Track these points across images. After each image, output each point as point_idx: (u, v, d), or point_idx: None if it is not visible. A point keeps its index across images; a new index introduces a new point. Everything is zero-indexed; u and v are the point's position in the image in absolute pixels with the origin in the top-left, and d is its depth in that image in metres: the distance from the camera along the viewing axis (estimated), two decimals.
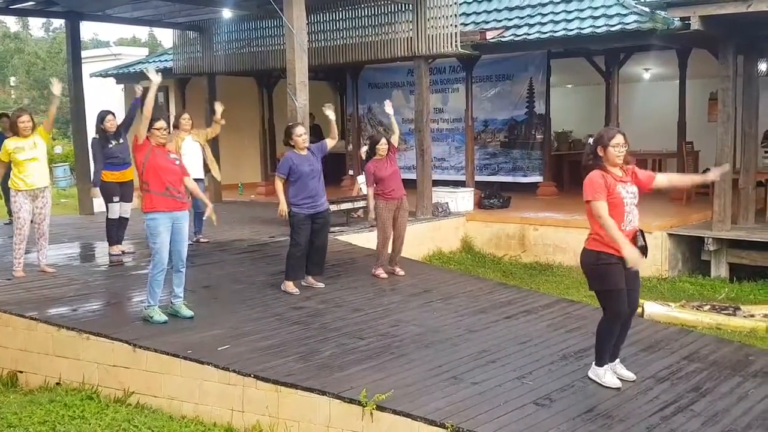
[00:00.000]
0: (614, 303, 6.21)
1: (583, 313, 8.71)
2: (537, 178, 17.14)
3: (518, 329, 8.08)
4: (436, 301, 9.24)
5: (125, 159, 11.03)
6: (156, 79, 7.97)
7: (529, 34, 14.57)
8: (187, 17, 16.74)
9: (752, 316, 9.73)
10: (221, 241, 12.16)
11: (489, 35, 14.95)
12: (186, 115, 11.63)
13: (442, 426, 5.54)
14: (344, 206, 13.09)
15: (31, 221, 9.72)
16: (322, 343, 7.38)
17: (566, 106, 20.36)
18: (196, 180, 11.39)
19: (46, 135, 9.81)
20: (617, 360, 6.64)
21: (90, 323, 7.86)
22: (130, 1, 15.35)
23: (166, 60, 19.93)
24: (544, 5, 15.30)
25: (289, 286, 9.29)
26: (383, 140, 10.27)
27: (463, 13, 15.96)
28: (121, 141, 11.05)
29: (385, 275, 10.24)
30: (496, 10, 16.18)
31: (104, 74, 21.45)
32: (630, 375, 6.59)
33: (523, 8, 15.63)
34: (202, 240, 11.93)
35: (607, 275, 6.13)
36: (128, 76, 20.83)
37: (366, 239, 11.99)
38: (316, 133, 18.13)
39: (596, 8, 14.21)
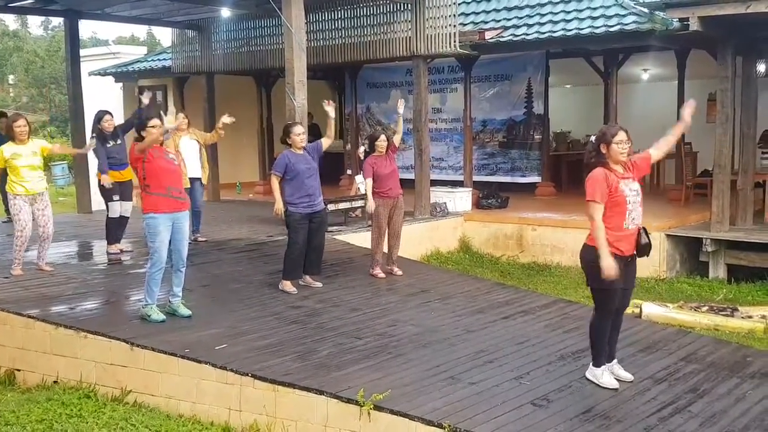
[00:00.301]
0: (607, 300, 6.26)
1: (580, 314, 8.70)
2: (535, 179, 17.14)
3: (516, 329, 8.08)
4: (433, 301, 9.24)
5: (123, 159, 11.01)
6: (169, 125, 7.96)
7: (527, 35, 14.57)
8: (185, 16, 16.73)
9: (750, 317, 9.73)
10: (219, 240, 12.16)
11: (488, 35, 14.95)
12: (181, 115, 11.64)
13: (440, 426, 5.54)
14: (342, 206, 13.08)
15: (33, 220, 9.70)
16: (320, 343, 7.38)
17: (565, 106, 20.36)
18: (193, 179, 11.48)
19: (47, 152, 9.80)
20: (615, 361, 6.64)
21: (88, 322, 7.86)
22: (128, 0, 15.34)
23: (164, 59, 19.91)
24: (542, 5, 15.30)
25: (287, 285, 9.29)
26: (383, 137, 10.28)
27: (462, 13, 15.96)
28: (119, 142, 11.05)
29: (382, 275, 10.24)
30: (494, 10, 16.18)
31: (103, 73, 21.41)
32: (628, 376, 6.59)
33: (521, 8, 15.63)
34: (200, 239, 11.92)
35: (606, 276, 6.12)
36: (127, 75, 20.81)
37: (364, 239, 11.97)
38: (315, 133, 18.12)
39: (595, 9, 14.21)
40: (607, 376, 6.41)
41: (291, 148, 9.32)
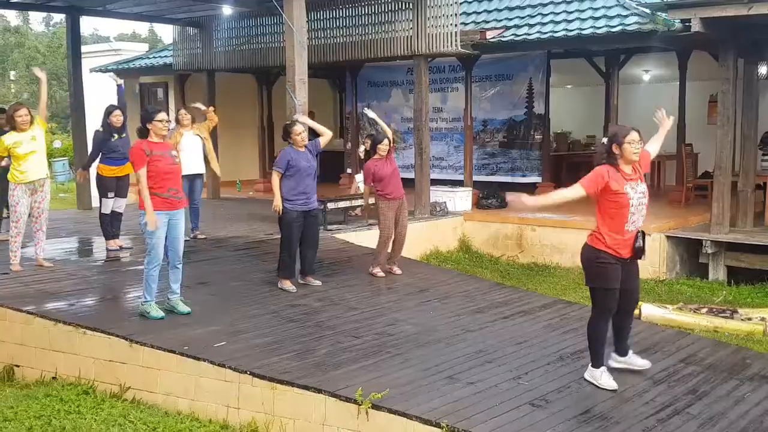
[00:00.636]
0: (605, 300, 6.31)
1: (580, 315, 8.69)
2: (536, 179, 17.13)
3: (515, 330, 8.08)
4: (432, 300, 9.23)
5: (125, 154, 11.00)
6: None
7: (529, 34, 14.57)
8: (187, 13, 16.73)
9: (749, 319, 9.72)
10: (218, 237, 12.15)
11: (489, 35, 14.95)
12: (183, 111, 11.67)
13: (438, 426, 5.54)
14: (342, 204, 13.08)
15: (29, 215, 9.72)
16: (318, 341, 7.38)
17: (566, 106, 20.37)
18: (195, 175, 11.50)
19: (44, 124, 9.84)
20: (630, 352, 6.76)
21: (87, 318, 7.86)
22: None
23: (166, 56, 19.92)
24: (544, 5, 15.30)
25: (286, 283, 9.29)
26: (386, 140, 10.29)
27: (464, 13, 15.96)
28: (124, 135, 11.05)
29: (382, 274, 10.24)
30: (496, 9, 16.18)
31: (104, 69, 21.41)
32: (646, 363, 6.76)
33: (523, 8, 15.63)
34: (199, 236, 11.92)
35: (603, 274, 6.23)
36: (128, 72, 20.80)
37: (363, 238, 11.99)
38: (315, 132, 18.13)
39: (597, 9, 14.22)
40: (606, 377, 6.40)
41: (293, 145, 9.33)
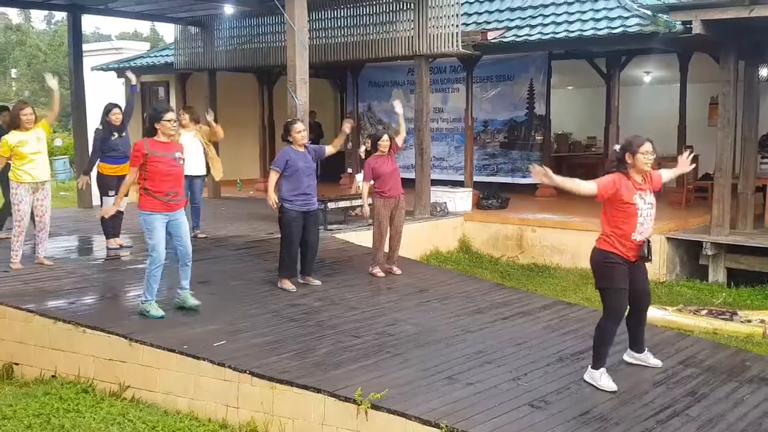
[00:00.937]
0: (614, 301, 6.36)
1: (579, 316, 8.71)
2: (536, 180, 17.11)
3: (515, 330, 8.08)
4: (432, 300, 9.23)
5: (126, 153, 11.01)
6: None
7: (530, 35, 14.58)
8: (188, 12, 16.73)
9: (749, 321, 9.72)
10: (219, 236, 12.16)
11: (490, 35, 14.96)
12: (182, 111, 11.70)
13: (437, 426, 5.54)
14: (342, 204, 13.08)
15: (33, 213, 9.72)
16: (318, 341, 7.38)
17: (566, 107, 20.37)
18: (196, 177, 11.51)
19: (49, 129, 9.85)
20: (646, 350, 6.92)
21: (87, 316, 7.86)
22: None
23: (167, 55, 19.93)
24: (545, 6, 15.32)
25: (286, 283, 9.29)
26: (385, 136, 10.28)
27: (465, 13, 15.96)
28: (124, 134, 11.05)
29: (381, 274, 10.24)
30: (497, 10, 16.19)
31: (105, 68, 21.44)
32: (658, 363, 6.90)
33: (524, 9, 15.65)
34: (200, 235, 11.92)
35: (611, 275, 6.32)
36: (129, 71, 20.79)
37: (363, 237, 11.97)
38: (317, 132, 18.17)
39: (598, 10, 14.22)
40: (605, 378, 6.41)
41: (292, 145, 9.33)
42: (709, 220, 12.63)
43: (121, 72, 21.24)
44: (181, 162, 8.00)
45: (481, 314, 8.68)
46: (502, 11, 16.07)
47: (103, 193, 10.97)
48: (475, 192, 15.53)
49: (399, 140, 10.45)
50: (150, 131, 7.88)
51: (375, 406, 5.84)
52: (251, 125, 19.54)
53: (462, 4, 14.81)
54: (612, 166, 6.31)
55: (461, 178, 16.57)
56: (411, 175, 14.66)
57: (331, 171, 18.84)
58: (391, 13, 14.49)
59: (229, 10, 16.20)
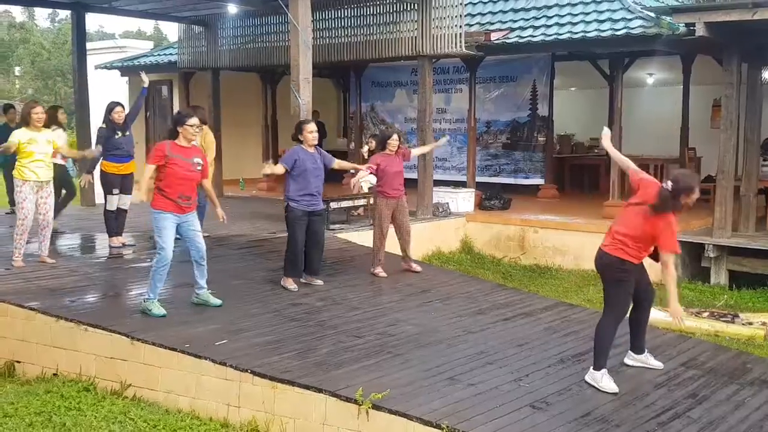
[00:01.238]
0: (622, 303, 6.49)
1: (581, 317, 8.71)
2: (538, 181, 17.15)
3: (516, 331, 8.08)
4: (434, 301, 9.24)
5: (129, 152, 11.08)
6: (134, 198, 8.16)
7: (533, 37, 14.57)
8: (192, 11, 16.73)
9: (750, 323, 9.72)
10: (221, 236, 12.15)
11: (494, 36, 14.95)
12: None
13: (438, 426, 5.54)
14: (345, 204, 13.08)
15: (36, 212, 9.73)
16: (320, 341, 7.39)
17: (569, 109, 20.35)
18: None
19: (56, 146, 9.87)
20: (645, 351, 6.98)
21: (89, 315, 7.87)
22: None
23: (170, 54, 19.93)
24: (549, 8, 15.30)
25: (289, 282, 9.30)
26: (395, 135, 10.36)
27: (468, 14, 15.93)
28: (128, 133, 11.07)
29: (383, 274, 10.25)
30: (501, 11, 16.18)
31: (109, 66, 21.46)
32: (659, 364, 6.96)
33: (528, 10, 15.63)
34: (203, 234, 11.90)
35: (626, 279, 6.43)
36: (133, 69, 20.83)
37: (366, 237, 11.96)
38: (320, 132, 18.11)
39: (602, 12, 14.21)
40: (607, 380, 6.41)
41: (302, 144, 9.34)
42: (711, 222, 12.62)
43: (125, 70, 21.32)
44: (199, 168, 8.05)
45: (482, 315, 8.69)
46: (505, 12, 16.06)
47: (107, 191, 10.99)
48: (478, 193, 15.52)
49: (415, 152, 10.54)
50: (172, 134, 7.94)
51: (376, 407, 5.85)
52: (254, 125, 19.54)
53: (465, 4, 14.79)
54: (667, 206, 6.28)
55: (464, 178, 16.55)
56: (413, 176, 14.65)
57: (334, 171, 18.80)
58: (394, 14, 14.49)
59: (233, 9, 16.21)
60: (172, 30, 57.78)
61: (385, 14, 14.61)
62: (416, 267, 10.62)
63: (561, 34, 14.18)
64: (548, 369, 6.90)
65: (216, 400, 6.72)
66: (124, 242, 11.32)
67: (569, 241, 13.19)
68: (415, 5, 13.95)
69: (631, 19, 13.42)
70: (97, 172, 11.42)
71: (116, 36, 48.88)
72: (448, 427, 5.51)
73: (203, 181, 8.27)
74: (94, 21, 73.69)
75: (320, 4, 14.63)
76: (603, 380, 6.40)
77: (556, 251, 13.45)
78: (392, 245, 10.61)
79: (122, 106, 11.07)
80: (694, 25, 11.41)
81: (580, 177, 18.65)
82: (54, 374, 7.69)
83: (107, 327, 7.48)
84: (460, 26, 13.83)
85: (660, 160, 16.64)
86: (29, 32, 54.03)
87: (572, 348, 7.51)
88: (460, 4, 13.78)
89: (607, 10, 14.15)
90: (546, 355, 7.27)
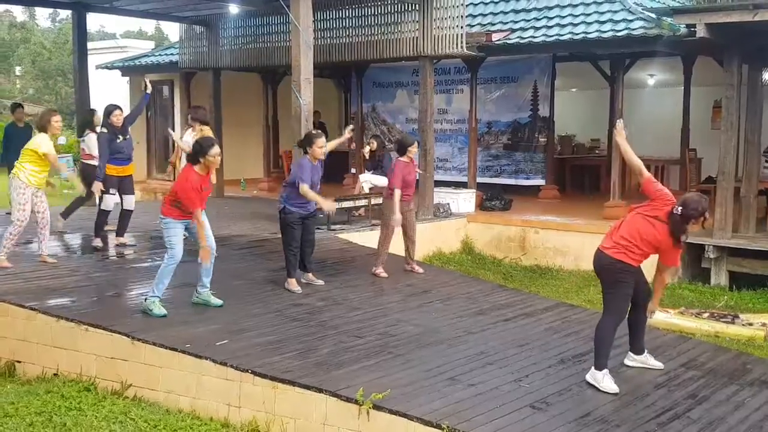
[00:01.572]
0: (621, 304, 6.51)
1: (582, 318, 8.72)
2: (539, 181, 17.15)
3: (517, 332, 8.09)
4: (435, 301, 9.25)
5: (129, 155, 11.13)
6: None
7: (534, 37, 14.58)
8: (193, 11, 16.74)
9: (750, 324, 9.73)
10: (222, 236, 12.12)
11: (495, 37, 14.96)
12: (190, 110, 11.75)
13: (438, 427, 5.55)
14: (345, 204, 13.09)
15: (33, 212, 9.75)
16: (321, 341, 7.39)
17: (570, 109, 20.36)
18: None
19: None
20: (645, 352, 7.02)
21: (89, 315, 7.87)
22: None
23: (172, 54, 19.95)
24: (550, 8, 15.31)
25: (293, 283, 9.30)
26: (416, 143, 10.38)
27: (469, 15, 15.95)
28: (127, 137, 11.10)
29: (385, 274, 10.26)
30: (502, 12, 16.19)
31: (110, 66, 21.47)
32: (659, 364, 6.99)
33: (529, 11, 15.64)
34: None
35: (625, 282, 6.46)
36: (134, 69, 20.85)
37: (367, 238, 11.99)
38: (322, 131, 18.14)
39: (603, 13, 14.21)
40: (608, 380, 6.42)
41: (308, 156, 9.31)
42: (711, 223, 12.61)
43: (126, 70, 21.33)
44: (208, 191, 8.13)
45: (483, 315, 8.70)
46: (506, 13, 16.06)
47: (105, 190, 11.00)
48: (479, 193, 15.53)
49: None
50: (192, 159, 7.93)
51: (377, 407, 5.86)
52: (255, 125, 19.54)
53: (467, 5, 14.81)
54: (683, 230, 6.27)
55: (465, 179, 16.55)
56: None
57: (335, 172, 18.83)
58: (396, 14, 14.49)
59: (234, 9, 16.21)
60: (173, 30, 57.90)
61: (386, 14, 14.61)
62: (419, 269, 10.64)
63: (562, 35, 14.19)
64: (548, 369, 6.91)
65: (216, 400, 6.72)
66: (125, 242, 11.34)
67: (570, 242, 13.20)
68: (417, 6, 13.95)
69: (632, 20, 13.43)
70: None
71: (117, 36, 48.94)
72: (448, 427, 5.52)
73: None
74: (95, 21, 73.81)
75: (321, 4, 14.64)
76: (604, 380, 6.41)
77: (556, 252, 13.46)
78: (393, 246, 10.62)
79: (120, 109, 11.06)
80: (694, 26, 11.41)
81: (580, 178, 18.66)
82: (54, 374, 7.70)
83: (108, 327, 7.49)
84: (462, 27, 13.84)
85: (661, 161, 16.67)
86: (30, 32, 54.08)
87: (572, 348, 7.52)
88: (462, 4, 13.78)
89: (608, 11, 14.15)
90: (546, 356, 7.28)
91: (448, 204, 14.68)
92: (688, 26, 11.78)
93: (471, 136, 16.36)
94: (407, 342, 7.50)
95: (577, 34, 13.98)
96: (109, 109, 10.99)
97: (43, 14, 69.37)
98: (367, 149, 15.02)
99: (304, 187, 9.06)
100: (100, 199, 11.09)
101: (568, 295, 11.34)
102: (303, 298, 8.99)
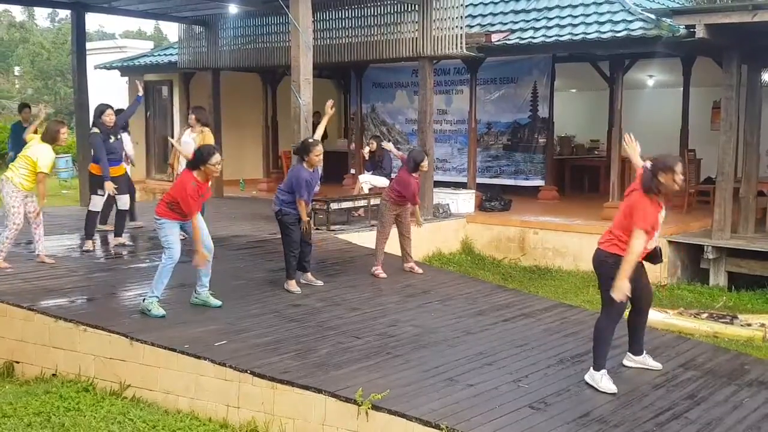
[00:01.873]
0: (620, 302, 6.39)
1: (580, 318, 8.72)
2: (539, 182, 17.14)
3: (515, 332, 8.09)
4: (434, 302, 9.24)
5: (121, 155, 11.18)
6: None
7: (534, 38, 14.57)
8: (193, 11, 16.74)
9: (749, 325, 9.74)
10: (221, 236, 12.14)
11: (494, 38, 14.95)
12: (191, 114, 11.72)
13: (437, 427, 5.55)
14: (345, 205, 13.09)
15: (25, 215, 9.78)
16: (319, 342, 7.39)
17: (570, 110, 20.37)
18: None
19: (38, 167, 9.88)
20: (644, 353, 7.00)
21: (87, 315, 7.87)
22: None
23: (171, 54, 19.94)
24: (550, 9, 15.30)
25: (292, 285, 9.30)
26: (426, 159, 10.41)
27: (469, 15, 15.94)
28: (119, 137, 11.11)
29: (384, 275, 10.26)
30: (501, 12, 16.18)
31: (109, 66, 21.46)
32: (657, 365, 6.98)
33: (528, 12, 15.63)
34: None
35: None
36: (133, 69, 20.84)
37: (366, 238, 11.99)
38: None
39: (602, 14, 14.21)
40: (606, 380, 6.42)
41: (304, 164, 9.30)
42: (710, 223, 12.63)
43: (125, 71, 21.32)
44: (204, 199, 8.12)
45: (482, 316, 8.70)
46: (506, 13, 16.06)
47: (93, 191, 10.99)
48: (478, 194, 15.53)
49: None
50: (193, 167, 7.91)
51: (376, 407, 5.86)
52: (254, 125, 19.54)
53: (466, 6, 14.81)
54: (656, 188, 6.24)
55: (464, 179, 16.55)
56: None
57: (335, 172, 18.85)
58: (395, 15, 14.49)
59: (233, 9, 16.19)
60: (172, 30, 57.79)
61: (386, 15, 14.61)
62: (418, 269, 10.64)
63: (561, 36, 14.18)
64: (547, 370, 6.91)
65: (215, 400, 6.72)
66: (123, 242, 11.34)
67: (569, 243, 13.20)
68: (416, 6, 13.95)
69: (631, 21, 13.42)
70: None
71: (116, 36, 48.89)
72: (447, 427, 5.52)
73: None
74: (94, 21, 73.65)
75: (321, 4, 14.64)
76: (602, 381, 6.41)
77: (556, 253, 13.46)
78: (392, 246, 10.63)
79: (112, 108, 11.06)
80: (694, 26, 11.42)
81: (580, 178, 18.67)
82: (53, 374, 7.70)
83: (106, 327, 7.49)
84: (461, 27, 13.84)
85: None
86: (29, 32, 54.10)
87: (571, 349, 7.52)
88: (461, 5, 13.79)
89: (608, 12, 14.14)
90: (545, 356, 7.28)
91: (448, 204, 14.68)
92: (687, 27, 11.79)
93: (470, 137, 16.35)
94: (406, 342, 7.50)
95: (576, 34, 13.98)
96: (101, 109, 10.98)
97: (42, 14, 69.37)
98: (366, 150, 15.02)
99: (302, 203, 9.18)
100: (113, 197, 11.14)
101: (567, 296, 11.35)
102: (302, 298, 8.99)
